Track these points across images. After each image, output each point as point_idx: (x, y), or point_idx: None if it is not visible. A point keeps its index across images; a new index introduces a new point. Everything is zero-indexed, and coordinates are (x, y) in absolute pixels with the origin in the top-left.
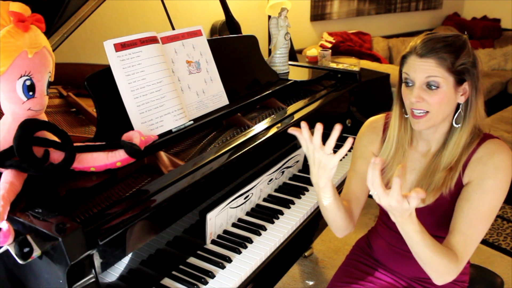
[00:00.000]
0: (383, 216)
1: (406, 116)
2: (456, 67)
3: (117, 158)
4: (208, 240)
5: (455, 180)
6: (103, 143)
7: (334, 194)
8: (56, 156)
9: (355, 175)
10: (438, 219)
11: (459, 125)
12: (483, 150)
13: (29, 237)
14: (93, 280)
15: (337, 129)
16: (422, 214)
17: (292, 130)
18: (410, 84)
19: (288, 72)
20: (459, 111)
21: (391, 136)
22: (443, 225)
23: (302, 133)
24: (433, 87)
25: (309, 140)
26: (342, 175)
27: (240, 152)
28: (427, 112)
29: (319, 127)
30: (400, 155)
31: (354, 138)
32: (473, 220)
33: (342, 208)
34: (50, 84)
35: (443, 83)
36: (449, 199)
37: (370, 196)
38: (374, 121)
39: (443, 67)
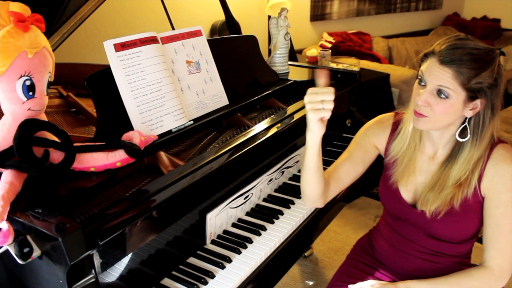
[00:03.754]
0: (387, 217)
1: None
2: (471, 85)
3: (117, 158)
4: (208, 240)
5: (467, 194)
6: (103, 143)
7: (318, 147)
8: (56, 156)
9: (348, 156)
10: (447, 226)
11: (465, 139)
12: (495, 156)
13: (29, 237)
14: (93, 280)
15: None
16: (432, 222)
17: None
18: (423, 84)
19: (288, 72)
20: (464, 125)
21: (406, 130)
22: (453, 233)
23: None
24: (442, 96)
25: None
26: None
27: (240, 152)
28: (428, 116)
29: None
30: (411, 149)
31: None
32: (502, 233)
33: (320, 170)
34: (50, 84)
35: (453, 95)
36: (459, 210)
37: (370, 196)
38: (384, 118)
39: (457, 81)
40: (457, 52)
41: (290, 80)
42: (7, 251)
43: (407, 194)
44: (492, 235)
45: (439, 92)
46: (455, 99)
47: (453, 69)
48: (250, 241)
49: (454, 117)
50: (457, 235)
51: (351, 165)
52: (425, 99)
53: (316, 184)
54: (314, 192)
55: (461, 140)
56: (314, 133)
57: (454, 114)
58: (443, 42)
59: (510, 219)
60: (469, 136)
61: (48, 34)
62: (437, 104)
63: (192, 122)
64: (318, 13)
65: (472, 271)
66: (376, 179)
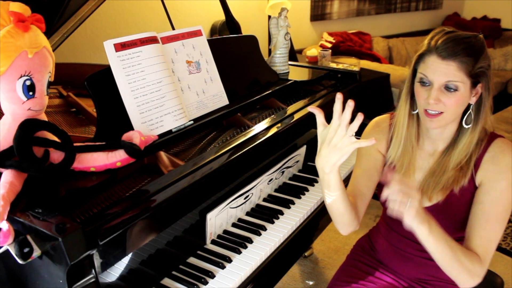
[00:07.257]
0: (386, 217)
1: (413, 112)
2: (474, 71)
3: (117, 158)
4: (208, 240)
5: (468, 178)
6: (103, 143)
7: (340, 184)
8: (56, 156)
9: (361, 172)
10: (447, 218)
11: (469, 125)
12: (494, 149)
13: (29, 237)
14: (93, 280)
15: (350, 105)
16: (431, 213)
17: (312, 108)
18: (427, 84)
19: (288, 72)
20: (469, 111)
21: (399, 134)
22: (453, 225)
23: (335, 106)
24: (452, 90)
25: (338, 115)
26: (349, 168)
27: (240, 152)
28: (441, 112)
29: (351, 104)
30: (409, 151)
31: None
32: (490, 221)
33: (347, 201)
34: (50, 84)
35: (461, 86)
36: (459, 196)
37: (372, 197)
38: (380, 121)
39: (463, 71)
40: (453, 44)
41: (290, 80)
42: (7, 251)
43: None
44: (477, 223)
45: (448, 87)
46: (463, 90)
47: (456, 61)
48: (250, 241)
49: (463, 107)
50: (457, 230)
51: (368, 179)
52: (436, 97)
53: (348, 213)
54: (348, 219)
55: (466, 127)
56: (334, 183)
57: (463, 104)
58: (436, 38)
59: (499, 209)
60: (472, 122)
61: (48, 34)
62: (448, 98)
63: (192, 122)
64: (318, 13)
65: (470, 254)
66: None
